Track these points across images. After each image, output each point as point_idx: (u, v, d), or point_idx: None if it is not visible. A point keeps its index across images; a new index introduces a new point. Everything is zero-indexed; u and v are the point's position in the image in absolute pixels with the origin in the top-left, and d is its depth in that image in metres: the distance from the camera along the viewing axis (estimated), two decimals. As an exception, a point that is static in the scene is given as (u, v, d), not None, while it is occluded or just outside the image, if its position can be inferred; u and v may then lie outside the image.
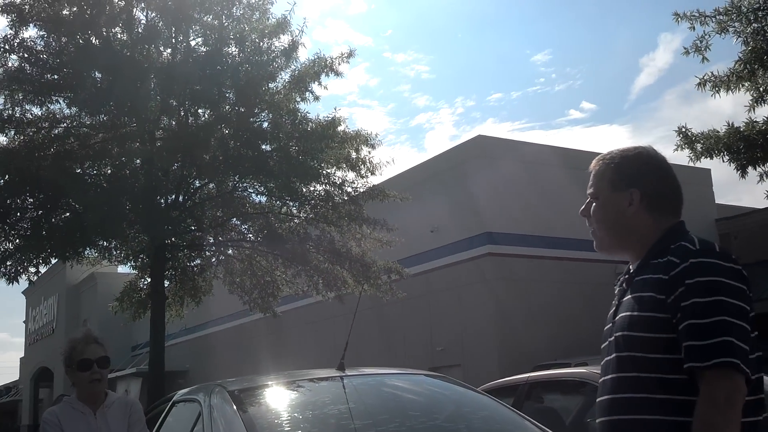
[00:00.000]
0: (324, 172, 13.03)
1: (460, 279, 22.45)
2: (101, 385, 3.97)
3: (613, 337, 2.19)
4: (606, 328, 2.25)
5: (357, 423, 3.67)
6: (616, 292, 2.30)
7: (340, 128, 13.24)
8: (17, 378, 68.48)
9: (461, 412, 4.16)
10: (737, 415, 1.89)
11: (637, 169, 2.28)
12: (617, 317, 2.20)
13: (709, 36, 11.30)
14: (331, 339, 24.88)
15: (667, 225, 2.24)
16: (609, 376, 2.18)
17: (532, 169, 22.79)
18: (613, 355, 2.18)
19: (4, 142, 12.84)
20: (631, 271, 2.27)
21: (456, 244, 22.83)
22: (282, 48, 13.15)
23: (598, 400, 2.23)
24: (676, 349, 1.99)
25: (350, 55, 13.68)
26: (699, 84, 11.59)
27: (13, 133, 12.79)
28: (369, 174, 13.37)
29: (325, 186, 13.23)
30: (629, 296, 2.18)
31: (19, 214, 12.73)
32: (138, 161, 12.94)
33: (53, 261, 13.92)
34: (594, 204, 2.34)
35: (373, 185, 13.84)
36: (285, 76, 13.45)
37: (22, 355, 64.47)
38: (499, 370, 20.12)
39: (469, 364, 22.00)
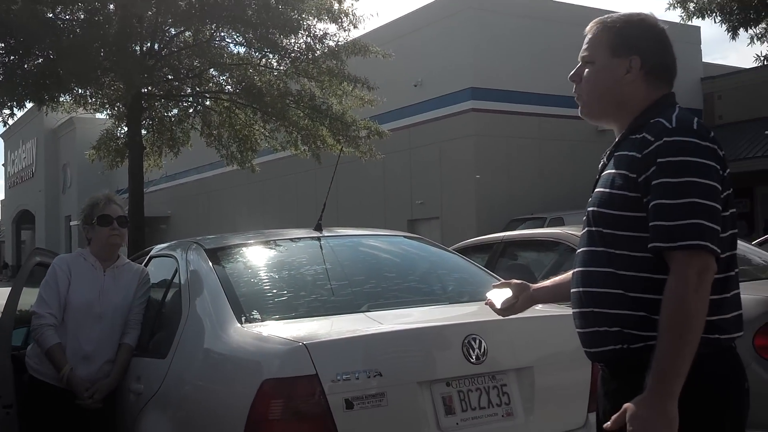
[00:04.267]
0: (304, 23, 12.60)
1: (443, 134, 22.43)
2: (119, 240, 4.02)
3: (587, 212, 2.20)
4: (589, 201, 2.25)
5: (333, 283, 3.73)
6: (599, 165, 2.27)
7: (322, -24, 12.69)
8: (-1, 220, 69.09)
9: (437, 273, 4.23)
10: (707, 293, 1.92)
11: (640, 36, 2.19)
12: (593, 192, 2.20)
13: None
14: (312, 189, 25.07)
15: (656, 97, 2.18)
16: (581, 249, 2.21)
17: (520, 24, 22.30)
18: (585, 229, 2.20)
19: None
20: (614, 143, 2.24)
21: (440, 99, 22.64)
22: None
23: (572, 272, 2.26)
24: (645, 229, 2.00)
25: None
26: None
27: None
28: (351, 27, 12.96)
29: (306, 38, 12.83)
30: (607, 171, 2.17)
31: (-10, 59, 12.37)
32: (111, 6, 12.46)
33: (28, 105, 13.65)
34: (587, 69, 2.25)
35: (356, 39, 13.44)
36: None
37: (2, 197, 64.73)
38: (476, 223, 20.54)
39: (447, 217, 22.38)
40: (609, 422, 1.96)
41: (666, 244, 1.94)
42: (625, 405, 1.92)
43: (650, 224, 1.98)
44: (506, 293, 2.73)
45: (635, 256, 2.04)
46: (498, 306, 2.75)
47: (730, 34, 11.91)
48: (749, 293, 3.15)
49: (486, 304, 2.82)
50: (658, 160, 1.99)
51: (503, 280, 2.84)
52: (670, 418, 1.87)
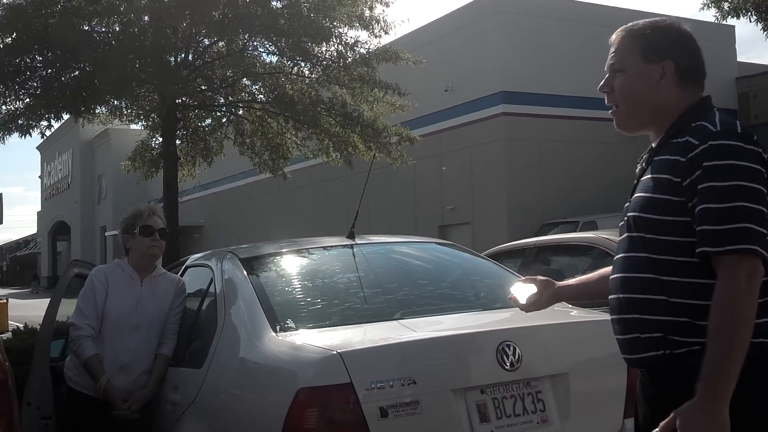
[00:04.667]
0: (336, 31, 12.64)
1: (474, 139, 22.39)
2: (158, 251, 4.05)
3: (626, 217, 2.18)
4: (624, 206, 2.23)
5: (366, 291, 3.74)
6: (637, 170, 2.25)
7: (353, -16, 12.73)
8: (35, 231, 70.24)
9: (469, 279, 4.22)
10: (756, 296, 1.91)
11: (671, 41, 2.18)
12: (633, 197, 2.18)
13: None
14: (343, 196, 25.15)
15: (692, 100, 2.17)
16: (620, 255, 2.19)
17: (551, 27, 22.19)
18: (625, 235, 2.18)
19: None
20: (653, 148, 2.22)
21: (471, 103, 22.61)
22: None
23: (610, 278, 2.24)
24: (689, 233, 1.99)
25: None
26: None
27: (18, -12, 12.42)
28: (383, 33, 12.99)
29: (337, 46, 12.87)
30: (647, 176, 2.15)
31: (29, 73, 12.58)
32: (146, 18, 12.62)
33: (65, 116, 13.89)
34: (618, 77, 2.23)
35: (387, 46, 13.47)
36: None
37: (38, 209, 65.70)
38: (508, 228, 20.45)
39: (478, 222, 22.31)
40: (657, 429, 1.95)
41: (714, 248, 1.93)
42: (675, 411, 1.90)
43: (697, 228, 1.97)
44: (531, 289, 2.71)
45: (679, 261, 2.02)
46: (522, 301, 2.73)
47: (765, 33, 11.73)
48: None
49: (509, 298, 2.80)
50: (704, 163, 1.97)
51: (528, 276, 2.82)
52: (722, 423, 1.85)
